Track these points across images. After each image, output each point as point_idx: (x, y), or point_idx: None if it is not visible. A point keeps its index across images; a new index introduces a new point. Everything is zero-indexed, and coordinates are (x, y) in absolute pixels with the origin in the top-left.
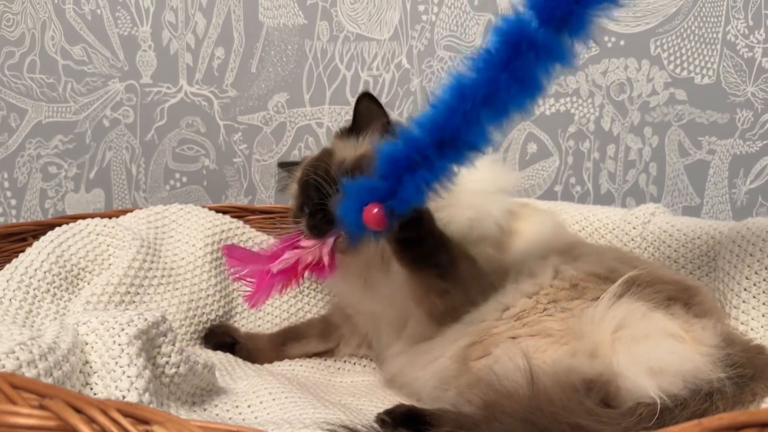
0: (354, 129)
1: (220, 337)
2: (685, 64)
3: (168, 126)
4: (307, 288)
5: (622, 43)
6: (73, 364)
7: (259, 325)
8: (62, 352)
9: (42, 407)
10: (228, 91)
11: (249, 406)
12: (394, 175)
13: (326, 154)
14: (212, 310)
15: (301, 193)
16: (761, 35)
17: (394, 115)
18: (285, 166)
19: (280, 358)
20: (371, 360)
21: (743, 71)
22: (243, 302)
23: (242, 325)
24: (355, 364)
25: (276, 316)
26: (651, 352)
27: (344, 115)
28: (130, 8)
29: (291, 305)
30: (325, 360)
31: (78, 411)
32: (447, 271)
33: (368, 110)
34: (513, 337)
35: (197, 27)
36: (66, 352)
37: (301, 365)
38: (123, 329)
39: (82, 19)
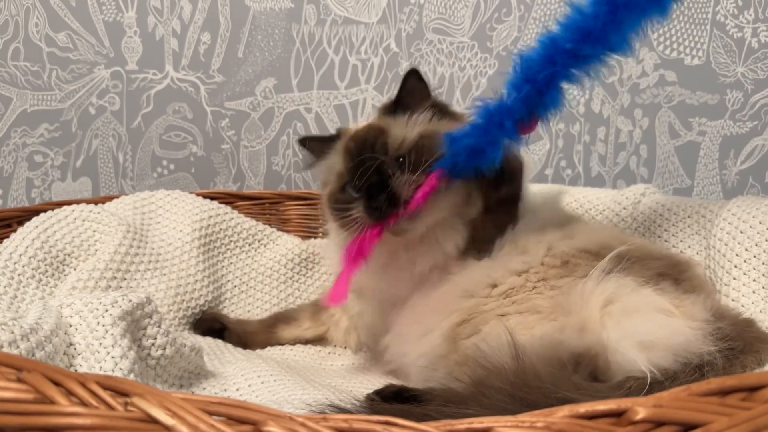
0: (401, 106)
1: (209, 323)
2: (675, 45)
3: (154, 113)
4: (297, 274)
5: None
6: (56, 345)
7: (248, 311)
8: (45, 333)
9: (20, 380)
10: (215, 77)
11: (237, 390)
12: (534, 81)
13: (379, 132)
14: (201, 295)
15: (351, 173)
16: (750, 15)
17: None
18: (311, 142)
19: (272, 342)
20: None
21: (733, 51)
22: (232, 288)
23: (232, 311)
24: (345, 347)
25: (266, 302)
26: (641, 326)
27: (332, 100)
28: None
29: (281, 291)
30: (316, 345)
31: (56, 384)
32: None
33: (417, 88)
34: (501, 315)
35: (183, 12)
36: (49, 333)
37: (291, 350)
38: (107, 310)
39: (66, 5)
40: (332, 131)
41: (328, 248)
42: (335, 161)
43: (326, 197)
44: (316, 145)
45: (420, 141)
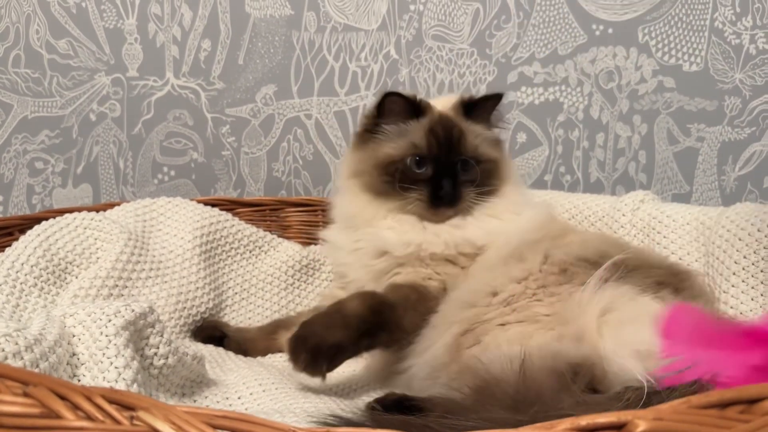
0: (478, 111)
1: (210, 332)
2: (673, 52)
3: (155, 119)
4: (298, 280)
5: (610, 31)
6: (59, 355)
7: (249, 318)
8: (48, 343)
9: (26, 395)
10: (215, 84)
11: (239, 398)
12: None
13: (458, 131)
14: (202, 302)
15: (427, 150)
16: (748, 22)
17: None
18: (399, 98)
19: (272, 349)
20: None
21: (731, 58)
22: (233, 295)
23: (232, 319)
24: None
25: (267, 309)
26: (638, 335)
27: (332, 107)
28: (115, 1)
29: (282, 297)
30: None
31: (62, 398)
32: (394, 345)
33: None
34: (502, 324)
35: (183, 19)
36: (52, 344)
37: None
38: (110, 320)
39: (66, 12)
40: (332, 138)
41: (340, 205)
42: (416, 132)
43: (384, 157)
44: (403, 104)
45: (487, 164)
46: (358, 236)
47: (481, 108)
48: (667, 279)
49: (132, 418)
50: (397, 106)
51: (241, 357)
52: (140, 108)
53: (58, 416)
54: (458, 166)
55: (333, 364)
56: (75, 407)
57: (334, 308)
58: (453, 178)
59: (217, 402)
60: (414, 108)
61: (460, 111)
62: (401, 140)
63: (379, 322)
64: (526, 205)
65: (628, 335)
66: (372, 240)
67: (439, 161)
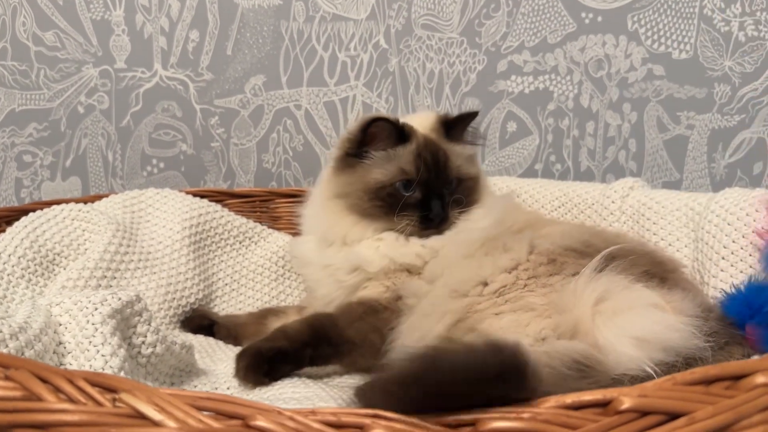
0: (457, 130)
1: (198, 321)
2: (663, 39)
3: (144, 111)
4: (288, 271)
5: (599, 19)
6: (45, 343)
7: (239, 309)
8: (34, 331)
9: (7, 378)
10: (204, 75)
11: (228, 387)
12: None
13: (444, 154)
14: (191, 293)
15: (416, 175)
16: (737, 9)
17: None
18: (385, 122)
19: (262, 333)
20: None
21: (720, 45)
22: (223, 286)
23: (222, 309)
24: None
25: (257, 300)
26: (635, 323)
27: (322, 97)
28: None
29: (272, 288)
30: None
31: (44, 381)
32: (345, 357)
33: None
34: (497, 314)
35: (171, 10)
36: (38, 332)
37: None
38: (96, 308)
39: (53, 3)
40: (322, 128)
41: (313, 219)
42: (404, 158)
43: (373, 182)
44: (390, 130)
45: (474, 180)
46: (333, 252)
47: (459, 127)
48: (653, 268)
49: (114, 400)
50: (383, 133)
51: (230, 347)
52: (128, 100)
53: (40, 399)
54: (445, 187)
55: (275, 369)
56: (57, 390)
57: (275, 330)
58: (441, 200)
59: (206, 391)
60: (400, 133)
61: (441, 132)
62: (390, 165)
63: (319, 335)
64: (495, 207)
65: (624, 323)
66: (348, 257)
67: (428, 185)
